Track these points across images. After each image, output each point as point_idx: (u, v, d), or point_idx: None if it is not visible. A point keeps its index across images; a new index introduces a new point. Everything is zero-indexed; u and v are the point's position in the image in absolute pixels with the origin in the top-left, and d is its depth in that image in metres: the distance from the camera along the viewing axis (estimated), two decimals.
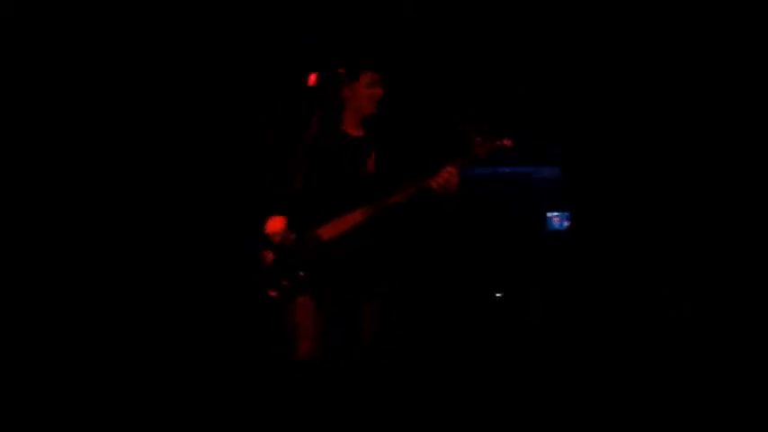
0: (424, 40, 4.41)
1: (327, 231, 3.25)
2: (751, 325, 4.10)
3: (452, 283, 4.42)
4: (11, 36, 4.26)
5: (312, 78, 3.21)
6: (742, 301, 4.17)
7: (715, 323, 4.16)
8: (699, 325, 4.19)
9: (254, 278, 3.25)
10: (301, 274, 3.19)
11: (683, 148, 4.34)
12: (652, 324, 4.26)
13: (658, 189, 4.39)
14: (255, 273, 3.25)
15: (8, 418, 3.69)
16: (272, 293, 3.20)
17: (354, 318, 3.28)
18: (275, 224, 3.24)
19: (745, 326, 4.10)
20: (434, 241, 4.38)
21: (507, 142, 3.21)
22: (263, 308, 3.32)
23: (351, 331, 3.28)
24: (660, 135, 4.37)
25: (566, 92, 4.43)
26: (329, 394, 3.24)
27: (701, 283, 4.28)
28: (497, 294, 4.32)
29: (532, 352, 4.21)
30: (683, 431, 3.63)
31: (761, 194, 4.20)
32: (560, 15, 4.35)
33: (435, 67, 4.42)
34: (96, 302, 4.35)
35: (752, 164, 4.23)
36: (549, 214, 4.39)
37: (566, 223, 4.36)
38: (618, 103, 4.42)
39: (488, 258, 4.44)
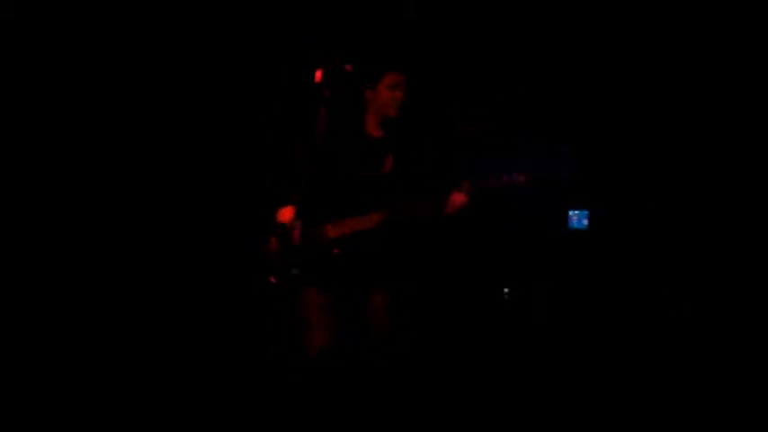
0: (425, 39, 4.41)
1: (336, 229, 3.26)
2: (751, 325, 4.09)
3: (462, 281, 4.41)
4: (11, 36, 4.26)
5: (318, 75, 3.18)
6: (742, 301, 4.16)
7: (715, 323, 4.16)
8: (699, 325, 4.19)
9: (259, 265, 3.25)
10: (295, 272, 3.19)
11: (682, 149, 4.34)
12: (652, 324, 4.25)
13: (659, 188, 4.39)
14: (260, 261, 3.26)
15: (8, 418, 3.68)
16: (273, 279, 3.20)
17: (364, 314, 3.29)
18: (284, 215, 3.25)
19: (746, 326, 4.10)
20: (445, 239, 4.37)
21: (520, 178, 3.22)
22: (266, 303, 3.32)
23: (361, 328, 3.28)
24: (659, 135, 4.37)
25: (573, 89, 4.40)
26: (340, 390, 3.24)
27: (701, 283, 4.27)
28: (505, 290, 4.30)
29: (537, 350, 4.20)
30: (683, 431, 3.63)
31: (762, 194, 4.19)
32: (566, 12, 4.33)
33: (438, 68, 4.41)
34: (98, 301, 4.35)
35: (753, 163, 4.22)
36: (570, 212, 4.32)
37: (585, 221, 4.30)
38: (620, 105, 4.41)
39: (503, 257, 4.42)
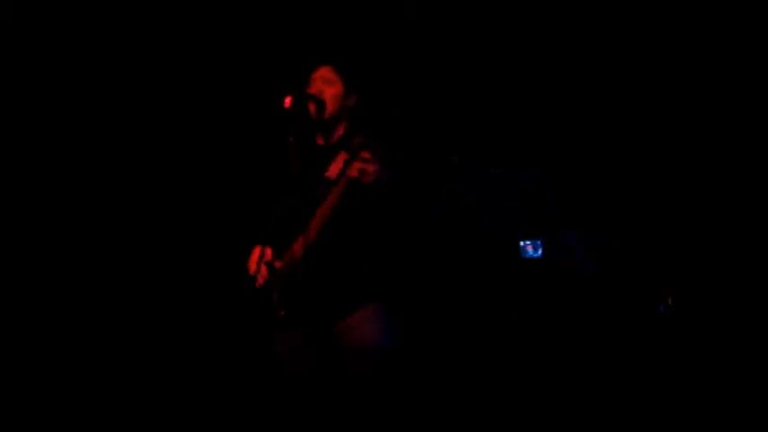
0: (425, 40, 4.40)
1: (298, 248, 3.09)
2: (751, 325, 4.10)
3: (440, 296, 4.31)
4: (11, 36, 4.27)
5: (288, 101, 3.05)
6: (742, 301, 4.16)
7: (713, 323, 4.16)
8: (698, 325, 4.19)
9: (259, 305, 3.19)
10: (281, 312, 3.14)
11: (680, 146, 4.34)
12: (651, 324, 4.26)
13: (657, 188, 4.39)
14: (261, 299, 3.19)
15: (8, 418, 3.70)
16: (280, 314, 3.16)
17: (336, 339, 3.12)
18: (254, 256, 3.17)
19: (745, 325, 4.10)
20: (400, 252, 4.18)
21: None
22: (263, 304, 3.29)
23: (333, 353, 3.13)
24: (654, 135, 4.36)
25: (575, 92, 4.38)
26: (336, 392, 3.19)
27: (701, 282, 4.28)
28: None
29: (534, 348, 4.20)
30: (682, 431, 3.63)
31: (760, 193, 4.19)
32: (563, 16, 4.32)
33: (435, 70, 4.40)
34: (96, 303, 4.36)
35: (750, 164, 4.22)
36: (522, 243, 4.22)
37: (540, 251, 4.21)
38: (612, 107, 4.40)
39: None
